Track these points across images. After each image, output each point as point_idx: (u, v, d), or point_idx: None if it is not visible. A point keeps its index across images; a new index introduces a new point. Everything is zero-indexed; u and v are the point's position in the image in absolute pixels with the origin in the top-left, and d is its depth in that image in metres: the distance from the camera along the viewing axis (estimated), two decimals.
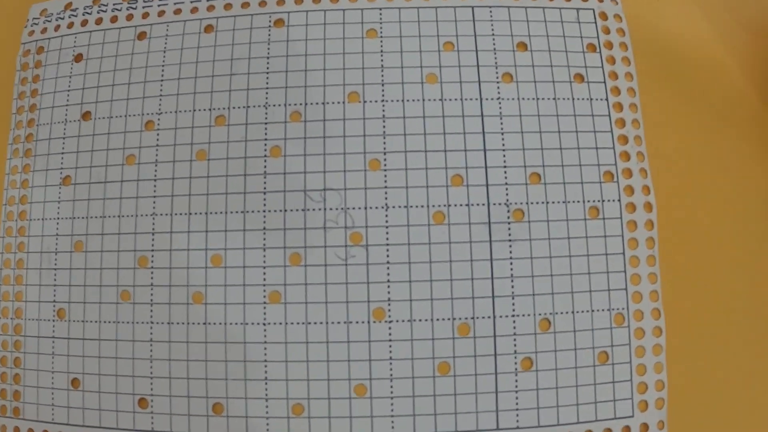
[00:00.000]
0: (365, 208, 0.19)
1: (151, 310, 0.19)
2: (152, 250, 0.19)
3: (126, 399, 0.19)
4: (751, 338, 0.20)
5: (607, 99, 0.20)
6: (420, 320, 0.18)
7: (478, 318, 0.19)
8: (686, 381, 0.19)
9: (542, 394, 0.19)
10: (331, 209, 0.19)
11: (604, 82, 0.20)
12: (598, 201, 0.19)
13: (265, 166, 0.19)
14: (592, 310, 0.19)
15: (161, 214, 0.19)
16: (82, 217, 0.19)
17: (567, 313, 0.19)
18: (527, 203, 0.19)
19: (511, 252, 0.19)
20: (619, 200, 0.20)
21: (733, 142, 0.21)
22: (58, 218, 0.20)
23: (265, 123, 0.19)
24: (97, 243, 0.19)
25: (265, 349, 0.19)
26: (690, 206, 0.20)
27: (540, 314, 0.19)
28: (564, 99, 0.20)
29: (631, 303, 0.19)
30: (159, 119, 0.20)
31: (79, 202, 0.20)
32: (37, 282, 0.20)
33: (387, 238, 0.19)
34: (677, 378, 0.19)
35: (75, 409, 0.19)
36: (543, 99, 0.20)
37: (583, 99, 0.20)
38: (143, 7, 0.21)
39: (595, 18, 0.21)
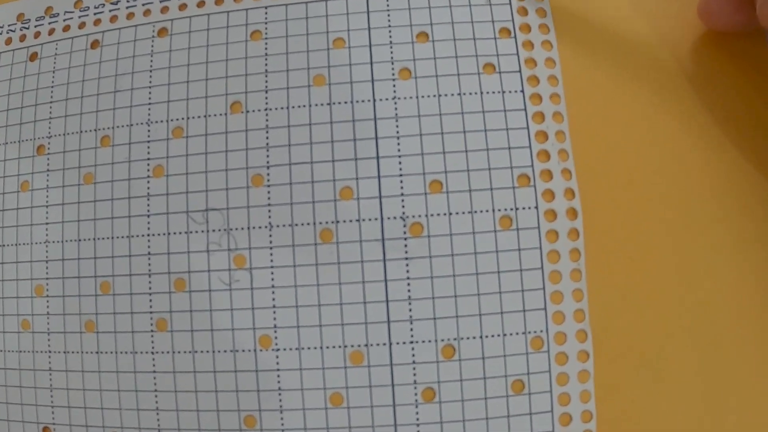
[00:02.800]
0: (248, 228, 0.17)
1: (49, 339, 0.18)
2: (47, 278, 0.18)
3: (31, 427, 0.18)
4: (693, 363, 0.16)
5: (522, 90, 0.17)
6: (309, 348, 0.16)
7: (372, 345, 0.16)
8: (618, 411, 0.16)
9: (447, 428, 0.16)
10: (213, 231, 0.17)
11: (520, 71, 0.17)
12: (511, 209, 0.16)
13: (148, 188, 0.17)
14: (504, 334, 0.16)
15: (53, 241, 0.18)
16: None
17: (474, 338, 0.16)
18: (427, 215, 0.16)
19: (408, 271, 0.16)
20: (536, 207, 0.16)
21: (675, 136, 0.17)
22: None
23: (148, 141, 0.17)
24: None
25: (155, 378, 0.17)
26: (623, 212, 0.16)
27: (443, 340, 0.16)
28: (471, 94, 0.17)
29: (551, 324, 0.16)
30: (49, 143, 0.18)
31: None
32: None
33: (271, 261, 0.16)
34: (607, 408, 0.16)
35: None
36: (446, 95, 0.17)
37: (493, 92, 0.17)
38: (35, 27, 0.19)
39: None
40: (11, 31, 0.19)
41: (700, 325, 0.16)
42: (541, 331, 0.16)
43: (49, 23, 0.19)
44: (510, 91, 0.17)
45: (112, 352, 0.17)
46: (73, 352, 0.17)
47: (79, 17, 0.19)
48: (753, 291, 0.16)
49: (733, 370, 0.16)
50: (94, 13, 0.19)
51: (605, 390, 0.16)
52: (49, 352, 0.18)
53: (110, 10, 0.18)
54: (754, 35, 0.18)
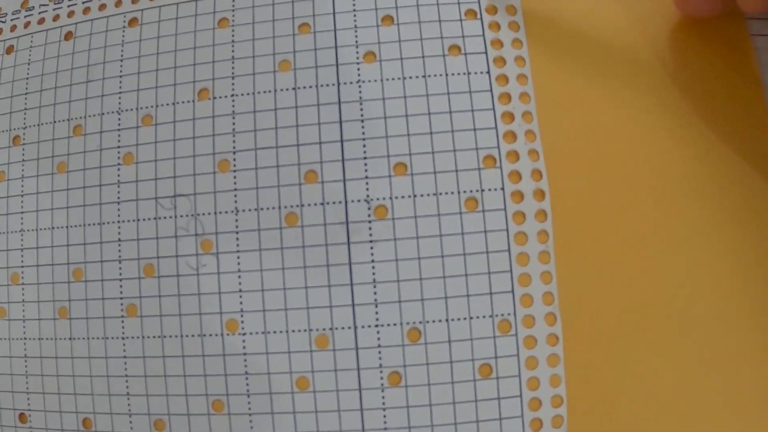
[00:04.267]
0: (215, 213, 0.17)
1: (24, 326, 0.18)
2: (22, 266, 0.18)
3: (7, 414, 0.18)
4: (665, 345, 0.16)
5: (488, 71, 0.17)
6: (274, 332, 0.16)
7: (337, 329, 0.16)
8: (590, 396, 0.16)
9: (414, 413, 0.16)
10: (181, 216, 0.17)
11: (486, 52, 0.17)
12: (477, 191, 0.16)
13: (118, 175, 0.18)
14: (471, 317, 0.16)
15: (28, 230, 0.18)
16: None
17: (440, 321, 0.16)
18: (391, 198, 0.16)
19: (372, 254, 0.16)
20: (502, 188, 0.16)
21: (641, 115, 0.16)
22: None
23: (119, 129, 0.18)
24: None
25: (125, 364, 0.17)
26: (592, 192, 0.16)
27: (408, 323, 0.16)
28: (436, 76, 0.17)
29: (519, 307, 0.16)
30: (24, 134, 0.19)
31: None
32: None
33: (237, 245, 0.17)
34: (579, 393, 0.16)
35: None
36: (410, 78, 0.17)
37: (459, 74, 0.17)
38: (11, 20, 0.19)
39: None
40: None
41: (674, 306, 0.16)
42: (509, 314, 0.16)
43: (25, 16, 0.19)
44: (475, 73, 0.17)
45: (84, 338, 0.17)
46: (47, 339, 0.18)
47: (54, 9, 0.19)
48: (729, 272, 0.16)
49: (709, 352, 0.16)
50: (68, 5, 0.19)
51: (576, 374, 0.16)
52: (24, 339, 0.18)
53: (83, 2, 0.19)
54: (731, 18, 0.17)
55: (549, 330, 0.16)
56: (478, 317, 0.16)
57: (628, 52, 0.17)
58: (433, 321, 0.16)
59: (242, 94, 0.17)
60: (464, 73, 0.17)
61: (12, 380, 0.18)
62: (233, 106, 0.17)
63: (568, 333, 0.16)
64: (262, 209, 0.17)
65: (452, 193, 0.16)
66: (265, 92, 0.17)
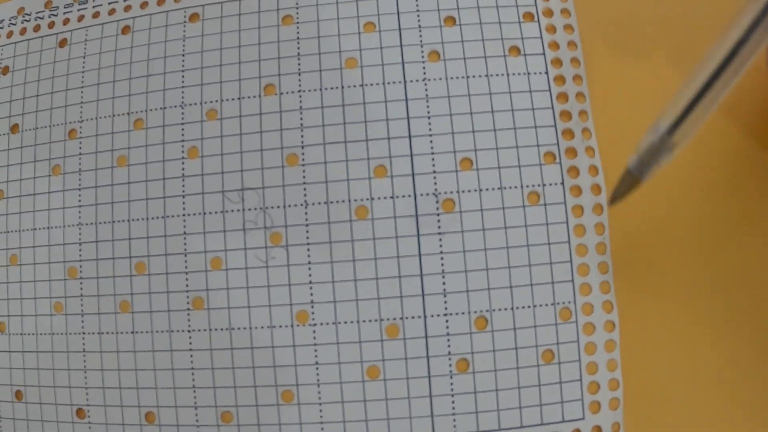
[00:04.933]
0: (284, 206, 0.17)
1: (82, 321, 0.18)
2: (80, 261, 0.18)
3: (64, 410, 0.18)
4: (716, 330, 0.17)
5: (547, 72, 0.18)
6: (345, 322, 0.17)
7: (407, 318, 0.17)
8: (644, 379, 0.17)
9: (481, 398, 0.16)
10: (249, 209, 0.17)
11: (544, 53, 0.18)
12: (538, 185, 0.17)
13: (183, 169, 0.18)
14: (534, 306, 0.17)
15: (87, 224, 0.18)
16: (15, 231, 0.19)
17: (506, 309, 0.17)
18: (458, 192, 0.17)
19: (441, 246, 0.17)
20: (562, 183, 0.17)
21: None
22: None
23: (182, 123, 0.18)
24: (29, 255, 0.18)
25: (191, 356, 0.17)
26: (646, 187, 0.17)
27: (475, 312, 0.17)
28: (497, 75, 0.17)
29: (578, 296, 0.17)
30: (81, 127, 0.19)
31: (12, 215, 0.19)
32: None
33: (307, 237, 0.17)
34: (634, 376, 0.17)
35: (20, 421, 0.18)
36: (474, 77, 0.17)
37: (519, 74, 0.17)
38: (63, 14, 0.19)
39: None
40: (39, 18, 0.20)
41: (723, 295, 0.17)
42: (569, 302, 0.17)
43: (78, 10, 0.19)
44: (535, 73, 0.17)
45: (147, 332, 0.18)
46: (107, 333, 0.18)
47: (109, 4, 0.19)
48: None
49: (756, 338, 0.17)
50: (124, 0, 0.19)
51: (630, 358, 0.17)
52: (83, 333, 0.18)
53: None
54: None
55: (606, 317, 0.17)
56: (540, 305, 0.17)
57: (685, 50, 0.18)
58: (499, 309, 0.17)
59: (309, 90, 0.17)
60: (524, 74, 0.17)
61: (69, 375, 0.18)
62: (300, 101, 0.17)
63: (624, 319, 0.17)
64: (331, 202, 0.17)
65: (516, 187, 0.17)
66: (332, 89, 0.17)
